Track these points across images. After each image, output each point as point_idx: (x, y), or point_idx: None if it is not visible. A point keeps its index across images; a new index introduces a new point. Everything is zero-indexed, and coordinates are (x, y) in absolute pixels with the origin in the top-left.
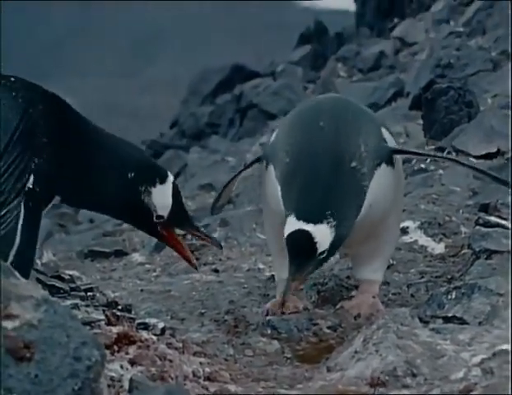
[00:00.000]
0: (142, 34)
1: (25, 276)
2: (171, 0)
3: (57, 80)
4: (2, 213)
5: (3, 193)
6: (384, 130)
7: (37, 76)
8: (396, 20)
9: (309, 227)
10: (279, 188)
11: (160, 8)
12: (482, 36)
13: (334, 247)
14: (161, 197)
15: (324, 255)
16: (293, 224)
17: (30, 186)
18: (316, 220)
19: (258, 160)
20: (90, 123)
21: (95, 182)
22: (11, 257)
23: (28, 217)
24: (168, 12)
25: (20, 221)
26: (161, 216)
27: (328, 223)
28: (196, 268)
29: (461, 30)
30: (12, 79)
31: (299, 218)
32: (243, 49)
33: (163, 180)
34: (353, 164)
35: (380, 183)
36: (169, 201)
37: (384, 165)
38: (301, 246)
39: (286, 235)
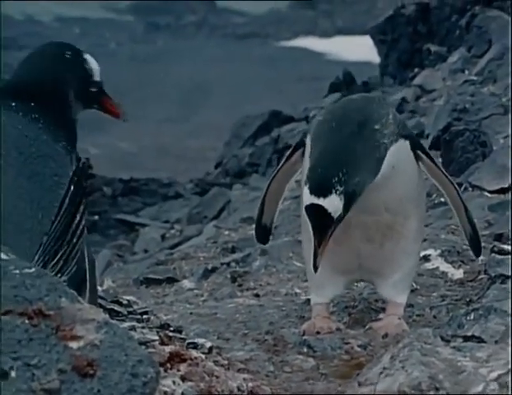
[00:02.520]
0: (189, 86)
1: (95, 301)
2: (215, 60)
3: (114, 126)
4: (72, 255)
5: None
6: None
7: (97, 122)
8: (416, 70)
9: (319, 201)
10: (309, 147)
11: (205, 65)
12: (494, 84)
13: (348, 206)
14: (93, 63)
15: (341, 217)
16: (307, 197)
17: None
18: (325, 193)
19: (296, 148)
20: None
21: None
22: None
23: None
24: (212, 68)
25: (86, 259)
26: (98, 82)
27: (336, 191)
28: (123, 119)
29: (474, 78)
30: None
31: (311, 192)
32: (279, 98)
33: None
34: (377, 126)
35: (401, 152)
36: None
37: (407, 142)
38: (318, 219)
39: (304, 207)
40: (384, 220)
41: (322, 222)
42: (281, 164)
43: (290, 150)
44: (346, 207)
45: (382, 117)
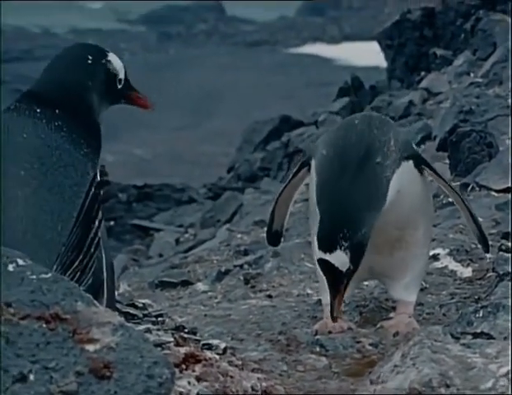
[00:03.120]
0: (201, 93)
1: (113, 305)
2: (225, 68)
3: (129, 133)
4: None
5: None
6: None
7: (111, 131)
8: (423, 73)
9: (326, 256)
10: (315, 182)
11: (216, 72)
12: (499, 86)
13: (356, 259)
14: (116, 61)
15: (350, 270)
16: (317, 252)
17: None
18: (330, 249)
19: (303, 165)
20: None
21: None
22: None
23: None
24: (223, 76)
25: (104, 265)
26: (123, 79)
27: (341, 247)
28: (151, 109)
29: (480, 80)
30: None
31: (319, 247)
32: (289, 103)
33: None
34: (378, 159)
35: (405, 174)
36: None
37: (410, 162)
38: (329, 273)
39: (316, 261)
40: (394, 235)
41: (333, 276)
42: (288, 180)
43: (296, 168)
44: (354, 260)
45: (383, 145)
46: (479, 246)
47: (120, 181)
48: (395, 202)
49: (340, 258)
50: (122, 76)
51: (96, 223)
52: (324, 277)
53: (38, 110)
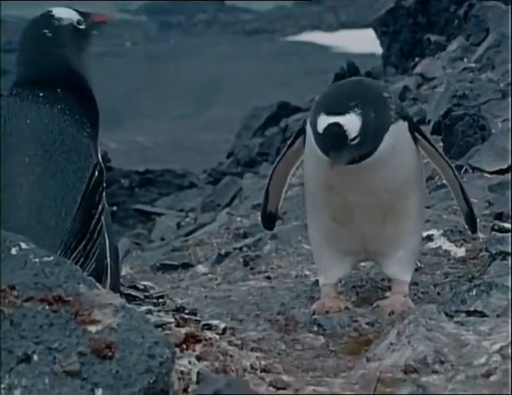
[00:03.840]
0: (201, 82)
1: (117, 289)
2: (225, 56)
3: (131, 121)
4: (91, 254)
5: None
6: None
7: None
8: (417, 59)
9: (337, 118)
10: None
11: (216, 61)
12: (492, 70)
13: (364, 133)
14: (63, 12)
15: (357, 141)
16: (323, 120)
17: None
18: (343, 112)
19: (297, 136)
20: None
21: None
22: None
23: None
24: (223, 64)
25: (108, 250)
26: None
27: (354, 112)
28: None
29: (473, 65)
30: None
31: (328, 113)
32: (287, 90)
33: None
34: (386, 95)
35: (400, 132)
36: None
37: (406, 123)
38: (333, 136)
39: (319, 132)
40: (385, 200)
41: (337, 144)
42: (283, 152)
43: (292, 137)
44: (363, 133)
45: (387, 92)
46: (477, 223)
47: (123, 167)
48: (388, 157)
49: (351, 121)
50: (76, 18)
51: (99, 209)
52: (327, 149)
53: (41, 94)
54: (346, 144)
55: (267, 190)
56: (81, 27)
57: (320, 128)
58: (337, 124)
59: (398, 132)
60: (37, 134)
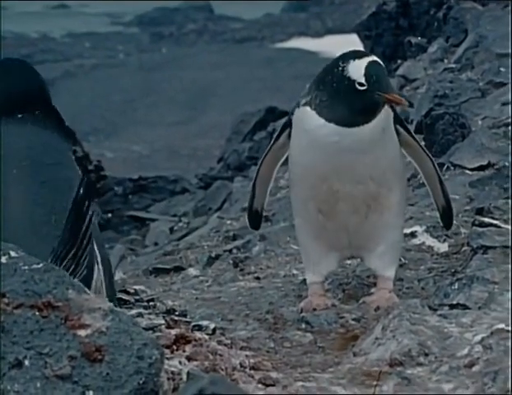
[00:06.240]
0: (194, 89)
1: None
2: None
3: (127, 130)
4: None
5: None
6: None
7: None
8: (399, 61)
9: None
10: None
11: (208, 69)
12: (471, 70)
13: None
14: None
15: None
16: (360, 63)
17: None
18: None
19: (283, 129)
20: None
21: None
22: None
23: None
24: (214, 72)
25: (99, 261)
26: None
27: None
28: None
29: (453, 66)
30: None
31: (360, 57)
32: (277, 96)
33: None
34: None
35: (387, 119)
36: None
37: (392, 114)
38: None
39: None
40: (369, 190)
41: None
42: (269, 147)
43: (278, 131)
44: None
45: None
46: (459, 219)
47: (122, 175)
48: (377, 140)
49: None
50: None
51: (88, 217)
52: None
53: (20, 116)
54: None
55: (254, 185)
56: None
57: (361, 68)
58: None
59: (387, 117)
60: (24, 150)
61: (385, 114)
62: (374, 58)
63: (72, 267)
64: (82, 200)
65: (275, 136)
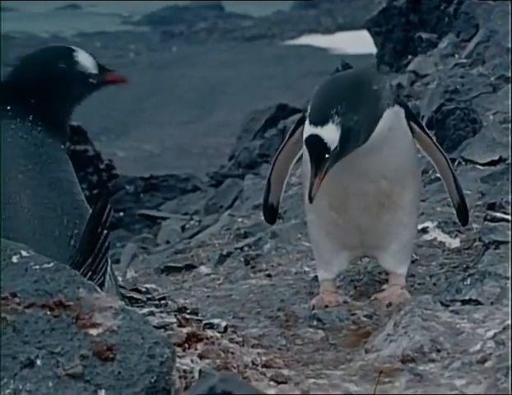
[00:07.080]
0: (204, 88)
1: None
2: (226, 62)
3: (138, 129)
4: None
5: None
6: None
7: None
8: (410, 57)
9: (317, 130)
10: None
11: (218, 67)
12: (482, 65)
13: (344, 142)
14: (85, 59)
15: (337, 150)
16: (307, 129)
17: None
18: (322, 122)
19: (297, 125)
20: None
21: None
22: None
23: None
24: (224, 70)
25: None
26: (94, 74)
27: (333, 121)
28: (126, 81)
29: (464, 61)
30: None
31: (310, 122)
32: (288, 93)
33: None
34: (374, 87)
35: (397, 117)
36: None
37: (403, 110)
38: (316, 149)
39: (304, 139)
40: (382, 187)
41: (319, 153)
42: (284, 143)
43: (293, 127)
44: (343, 142)
45: (379, 81)
46: (471, 214)
47: (133, 174)
48: (385, 140)
49: (331, 133)
50: (93, 70)
51: (105, 228)
52: (309, 155)
53: (8, 108)
54: (327, 153)
55: (269, 181)
56: (91, 81)
57: (304, 135)
58: (317, 137)
59: (395, 116)
60: (22, 150)
61: (390, 113)
62: None
63: (89, 274)
64: (102, 210)
65: (289, 132)
